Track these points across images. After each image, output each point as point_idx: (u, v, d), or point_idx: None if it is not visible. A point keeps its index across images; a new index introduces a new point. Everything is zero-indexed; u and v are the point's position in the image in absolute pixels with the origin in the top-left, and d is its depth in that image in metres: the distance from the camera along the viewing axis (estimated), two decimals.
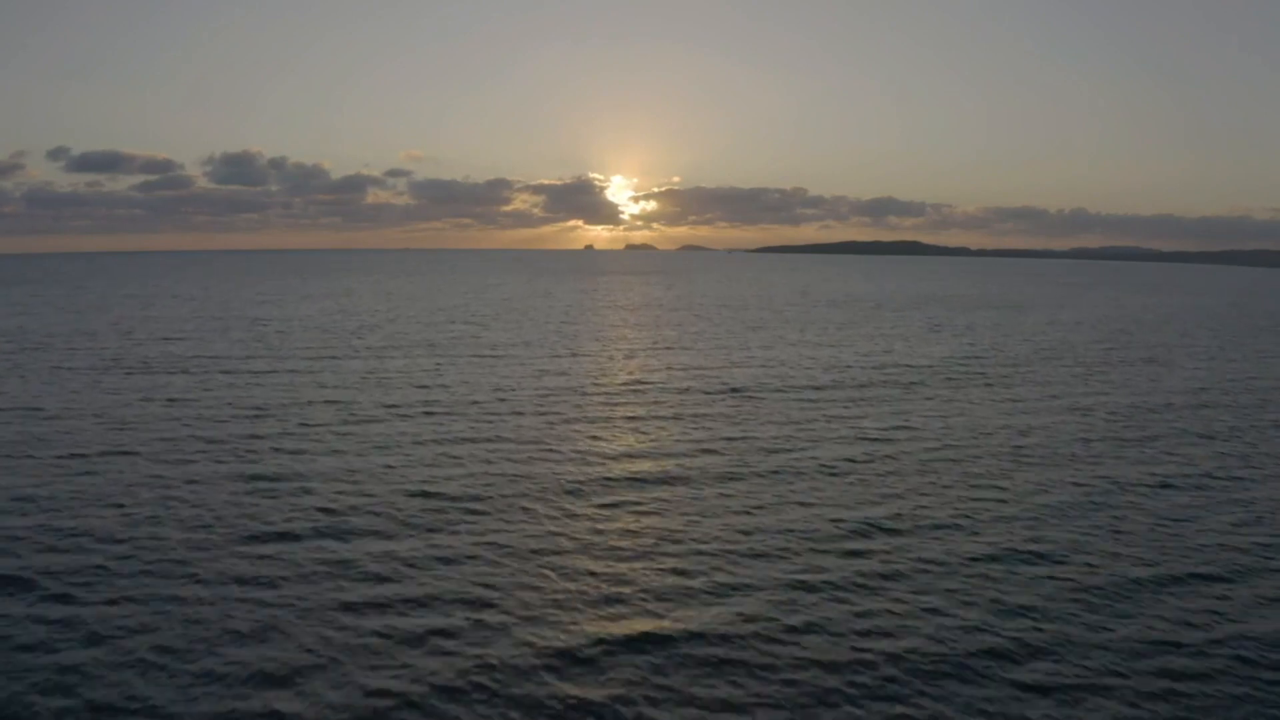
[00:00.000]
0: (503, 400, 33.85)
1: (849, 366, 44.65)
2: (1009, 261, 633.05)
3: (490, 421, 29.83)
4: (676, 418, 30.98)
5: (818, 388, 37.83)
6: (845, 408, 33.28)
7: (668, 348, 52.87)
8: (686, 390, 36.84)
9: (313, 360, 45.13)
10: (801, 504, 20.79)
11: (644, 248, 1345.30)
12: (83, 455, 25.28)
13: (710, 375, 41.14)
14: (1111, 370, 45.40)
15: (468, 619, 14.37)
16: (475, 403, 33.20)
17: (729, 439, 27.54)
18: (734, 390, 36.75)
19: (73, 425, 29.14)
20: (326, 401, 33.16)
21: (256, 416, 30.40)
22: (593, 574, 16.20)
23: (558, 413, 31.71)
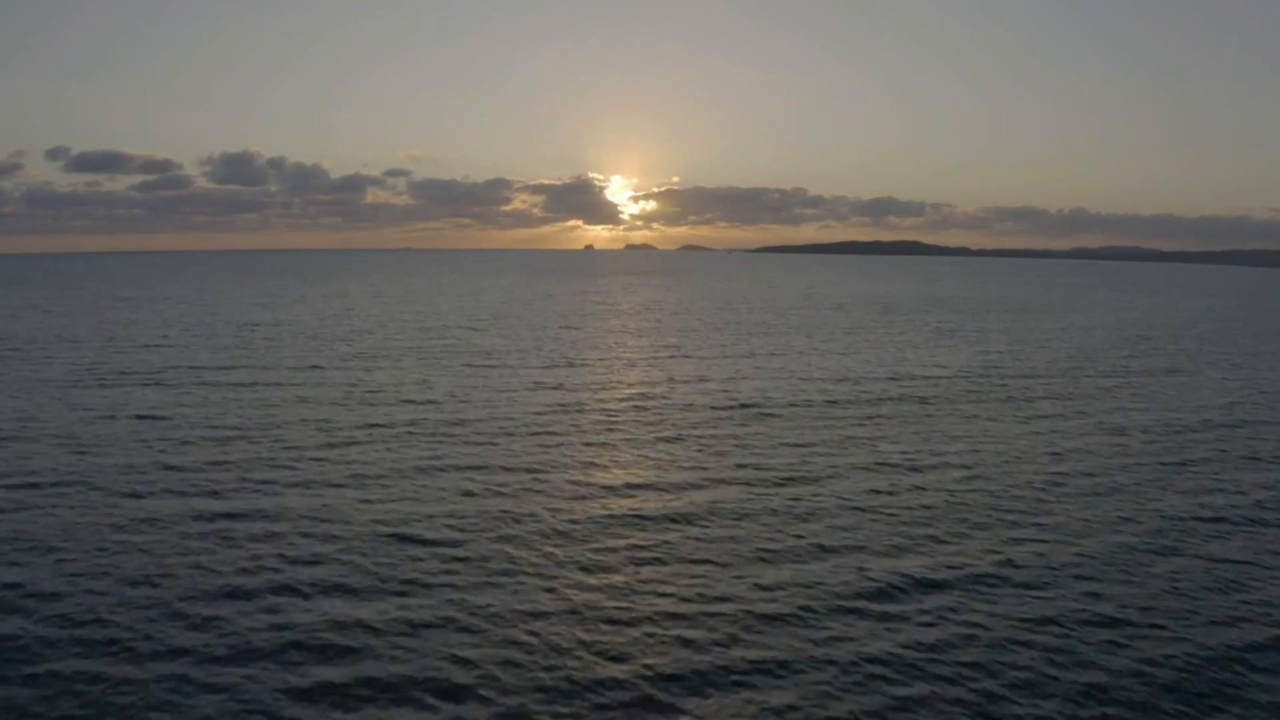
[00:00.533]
0: (493, 419, 31.62)
1: (862, 378, 42.35)
2: (1010, 261, 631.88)
3: (478, 445, 27.57)
4: (680, 439, 28.73)
5: (831, 402, 35.56)
6: (862, 426, 31.03)
7: (670, 356, 50.60)
8: (690, 406, 34.58)
9: (295, 370, 42.92)
10: (823, 549, 18.54)
11: (644, 248, 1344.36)
12: (33, 485, 23.07)
13: (715, 389, 38.88)
14: (1137, 381, 43.13)
15: (434, 711, 12.12)
16: (463, 422, 30.95)
17: (739, 465, 25.30)
18: (742, 406, 34.47)
19: (28, 449, 26.91)
20: (304, 421, 30.90)
21: (227, 438, 28.15)
22: (585, 646, 13.93)
23: (552, 433, 29.46)
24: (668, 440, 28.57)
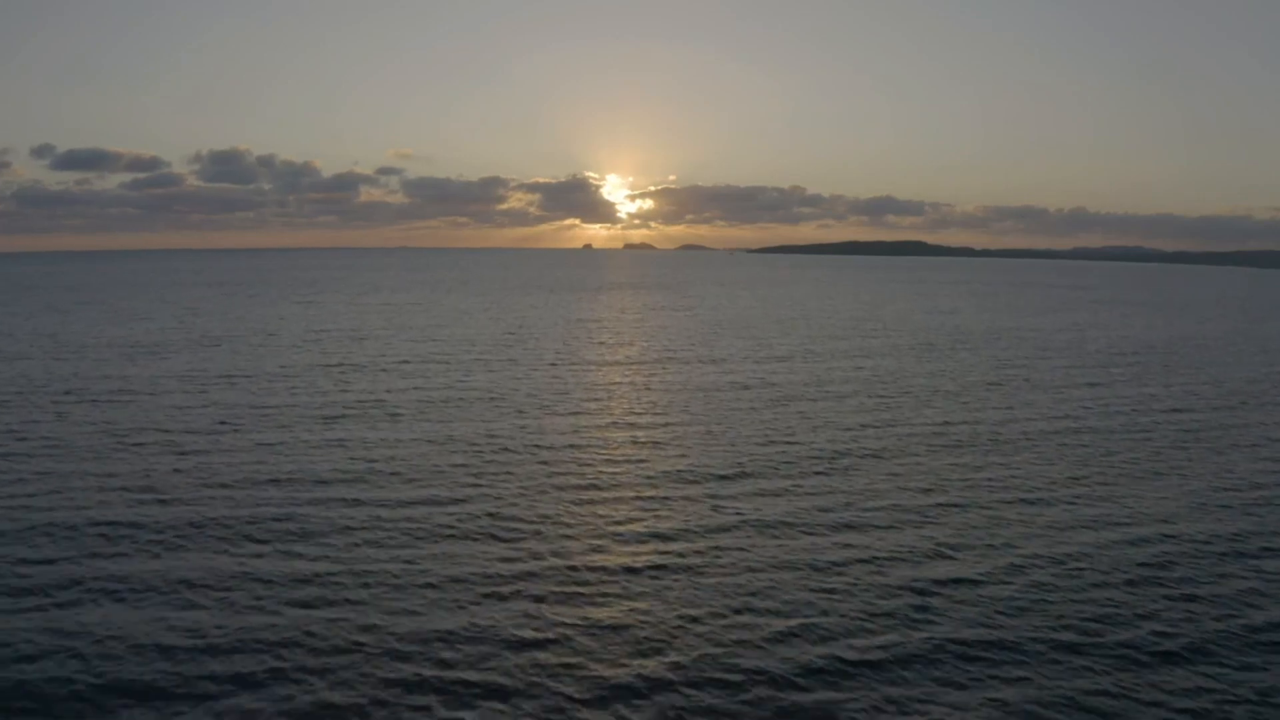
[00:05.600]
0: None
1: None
2: (1018, 263, 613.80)
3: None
4: None
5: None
6: None
7: (714, 486, 27.84)
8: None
9: (111, 479, 20.61)
10: None
11: (643, 247, 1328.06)
12: None
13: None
14: None
15: None
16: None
17: None
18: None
19: None
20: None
21: None
22: None
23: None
24: None
